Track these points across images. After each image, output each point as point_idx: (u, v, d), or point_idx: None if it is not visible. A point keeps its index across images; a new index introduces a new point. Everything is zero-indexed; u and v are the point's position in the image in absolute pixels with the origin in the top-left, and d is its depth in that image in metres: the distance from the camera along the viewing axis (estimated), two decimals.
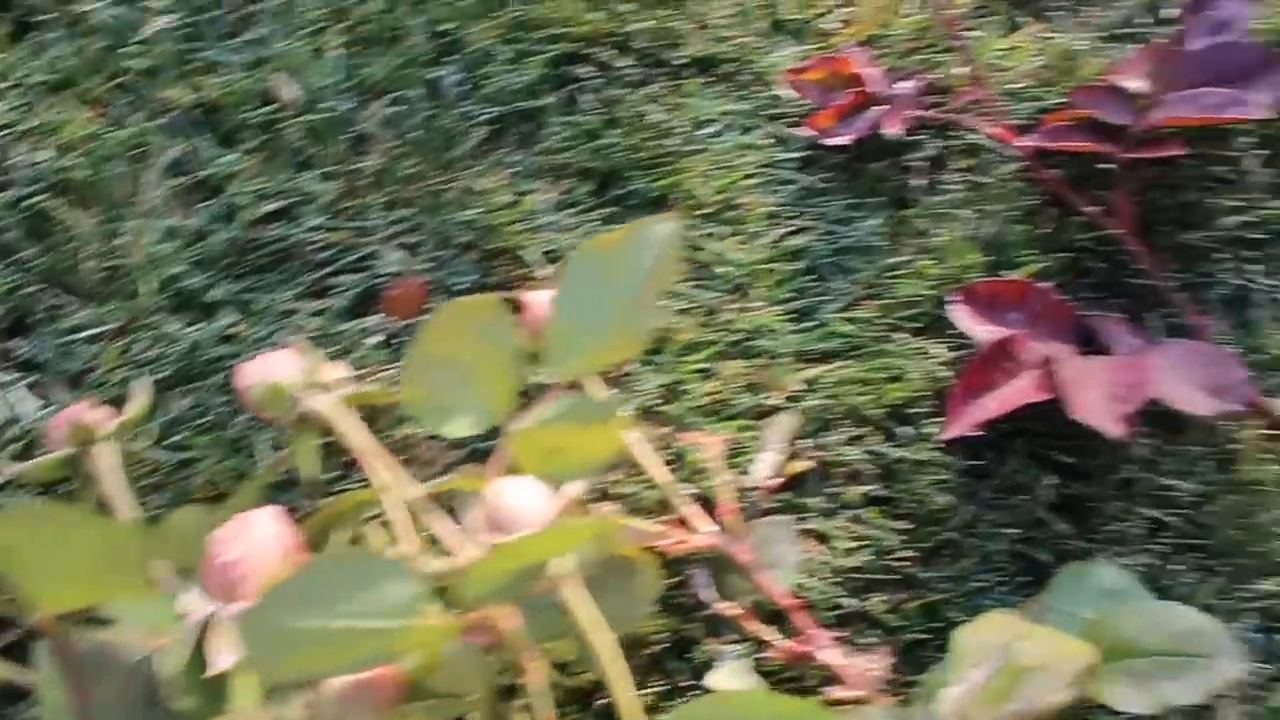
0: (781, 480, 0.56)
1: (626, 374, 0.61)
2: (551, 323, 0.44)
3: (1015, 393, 0.56)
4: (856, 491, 0.58)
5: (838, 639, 0.54)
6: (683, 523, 0.54)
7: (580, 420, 0.45)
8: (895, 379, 0.60)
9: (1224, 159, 0.66)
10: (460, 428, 0.43)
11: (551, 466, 0.46)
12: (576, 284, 0.44)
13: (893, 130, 0.63)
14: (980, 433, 0.58)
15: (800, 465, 0.56)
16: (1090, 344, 0.61)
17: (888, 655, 0.52)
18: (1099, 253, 0.65)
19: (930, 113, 0.67)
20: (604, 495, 0.58)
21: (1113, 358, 0.57)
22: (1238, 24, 0.65)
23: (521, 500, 0.43)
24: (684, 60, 0.69)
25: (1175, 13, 0.72)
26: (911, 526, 0.57)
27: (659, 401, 0.61)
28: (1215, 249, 0.65)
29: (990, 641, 0.50)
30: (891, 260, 0.64)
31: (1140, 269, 0.62)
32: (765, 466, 0.56)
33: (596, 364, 0.46)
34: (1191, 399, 0.54)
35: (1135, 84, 0.65)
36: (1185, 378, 0.55)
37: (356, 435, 0.46)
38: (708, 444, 0.57)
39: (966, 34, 0.71)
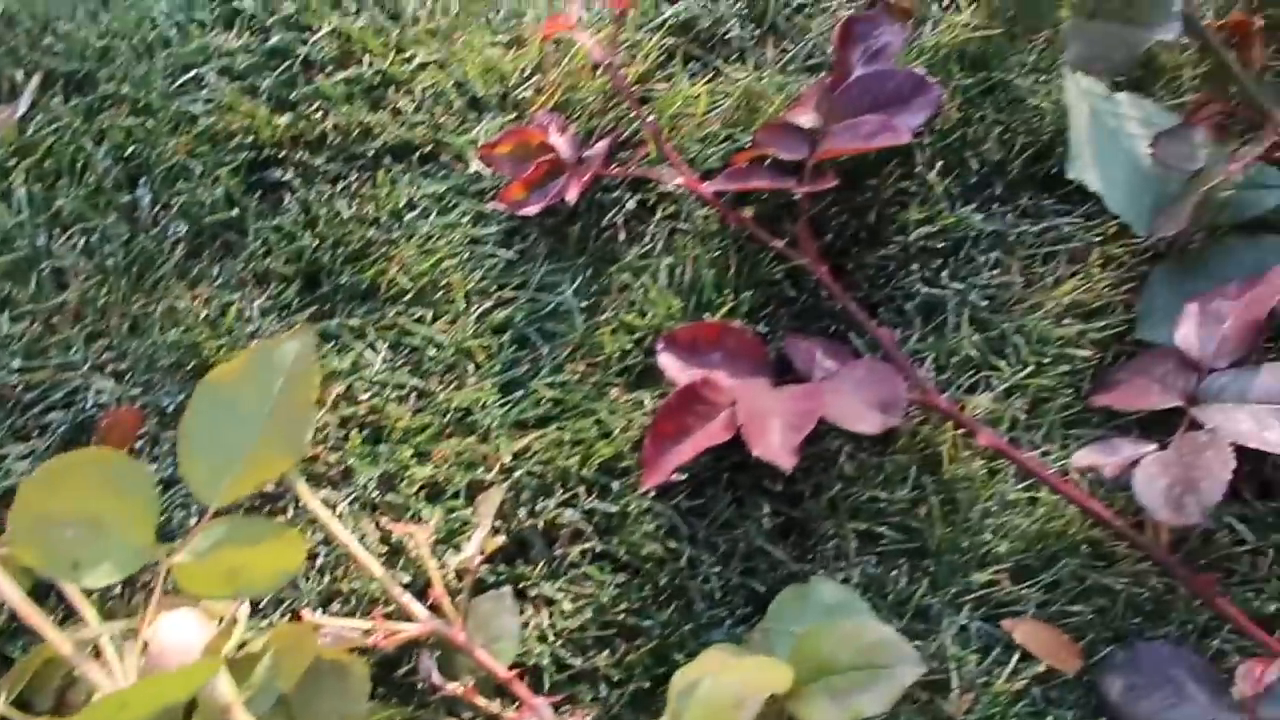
0: (486, 556, 0.58)
1: (346, 470, 0.62)
2: (184, 459, 0.45)
3: (705, 435, 0.59)
4: (576, 550, 0.60)
5: (561, 701, 0.56)
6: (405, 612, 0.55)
7: (248, 540, 0.46)
8: (605, 435, 0.62)
9: (909, 175, 0.70)
10: (101, 577, 0.44)
11: (233, 587, 0.47)
12: (202, 417, 0.45)
13: (572, 196, 0.65)
14: (681, 476, 0.61)
15: (498, 540, 0.58)
16: (791, 373, 0.64)
17: (591, 714, 0.54)
18: (797, 283, 0.68)
19: (619, 170, 0.69)
20: (326, 599, 0.59)
21: (793, 387, 0.60)
22: (891, 50, 0.69)
23: (175, 637, 0.44)
24: (377, 149, 0.71)
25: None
26: (632, 577, 0.60)
27: (379, 492, 0.62)
28: (906, 262, 0.68)
29: (700, 679, 0.53)
30: (597, 319, 0.66)
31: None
32: (475, 543, 0.58)
33: (243, 490, 0.46)
34: (859, 417, 0.58)
35: (807, 119, 0.68)
36: (856, 398, 0.59)
37: (9, 593, 0.45)
38: (418, 531, 0.58)
39: (657, 86, 0.74)
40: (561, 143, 0.69)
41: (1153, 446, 0.58)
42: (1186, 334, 0.61)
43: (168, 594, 0.48)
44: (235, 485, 0.46)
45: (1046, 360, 0.65)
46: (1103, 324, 0.66)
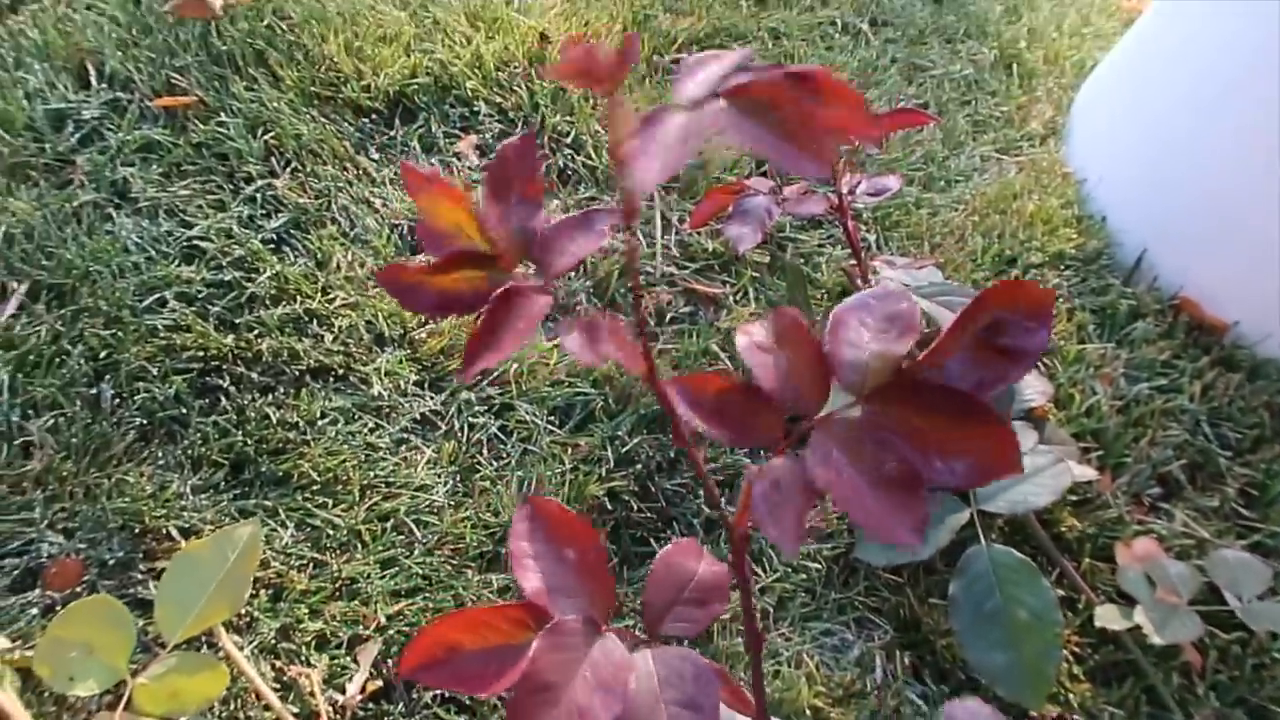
0: (364, 696, 0.75)
1: (251, 620, 0.79)
2: (159, 602, 0.63)
3: None
4: (430, 695, 0.78)
5: None
6: None
7: (189, 671, 0.64)
8: (460, 605, 0.82)
9: None
10: (88, 688, 0.60)
11: (171, 707, 0.64)
12: (177, 576, 0.63)
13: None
14: None
15: (373, 684, 0.76)
16: None
17: None
18: (614, 498, 0.91)
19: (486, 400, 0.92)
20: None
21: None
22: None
23: None
24: (303, 369, 0.91)
25: None
26: (471, 718, 0.78)
27: (278, 639, 0.78)
28: (695, 488, 0.92)
29: None
30: (461, 515, 0.87)
31: None
32: (355, 685, 0.75)
33: (196, 630, 0.64)
34: None
35: None
36: None
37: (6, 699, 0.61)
38: (310, 673, 0.75)
39: None
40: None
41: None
42: None
43: (126, 709, 0.64)
44: (190, 627, 0.63)
45: (790, 570, 0.89)
46: (831, 545, 0.91)
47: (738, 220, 0.95)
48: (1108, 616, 0.86)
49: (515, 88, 1.17)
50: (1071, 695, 0.85)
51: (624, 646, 0.43)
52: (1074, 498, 0.98)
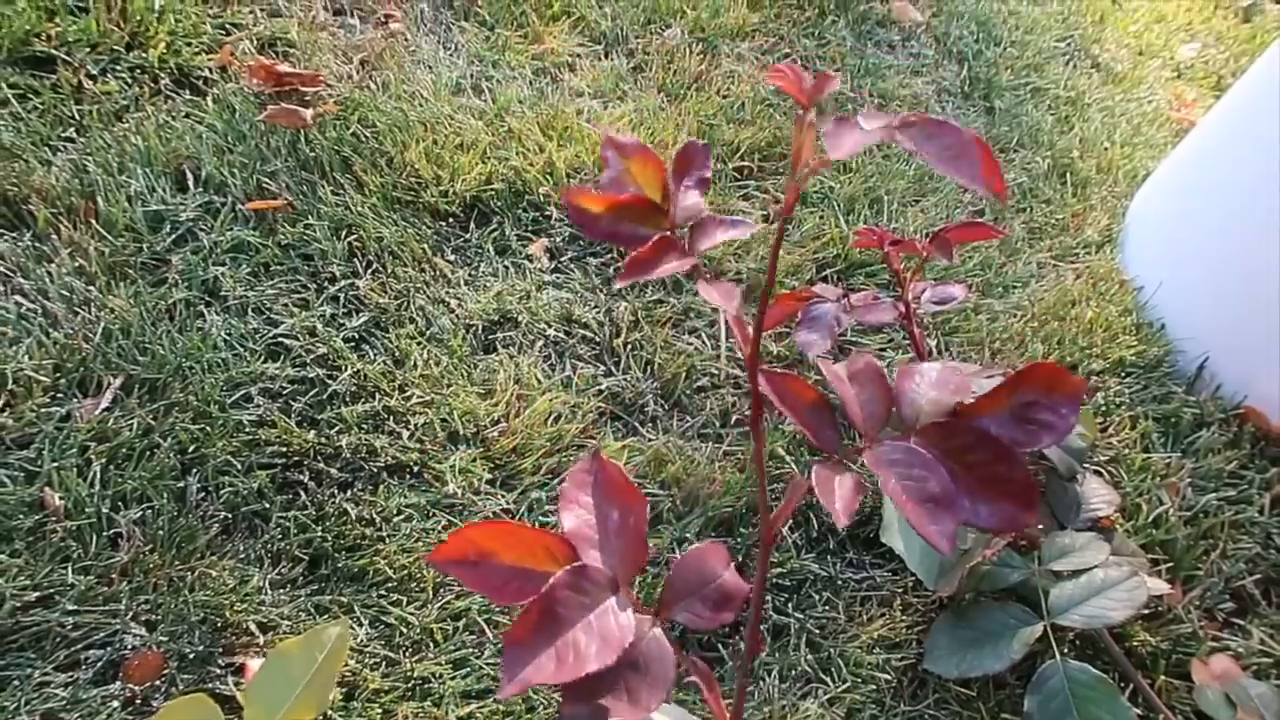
0: None
1: (325, 718, 0.80)
2: (249, 701, 0.64)
3: None
4: None
5: None
6: None
7: None
8: (531, 709, 0.82)
9: None
10: None
11: None
12: (268, 675, 0.64)
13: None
14: None
15: None
16: None
17: None
18: None
19: None
20: None
21: None
22: None
23: None
24: (380, 466, 0.94)
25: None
26: None
27: None
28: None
29: None
30: None
31: None
32: None
33: None
34: None
35: None
36: None
37: None
38: None
39: (590, 439, 1.00)
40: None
41: None
42: None
43: None
44: None
45: (860, 680, 0.88)
46: (901, 655, 0.90)
47: (806, 326, 0.97)
48: None
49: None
50: None
51: (634, 614, 0.46)
52: (1145, 611, 0.97)
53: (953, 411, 0.46)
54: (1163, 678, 0.92)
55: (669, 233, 0.47)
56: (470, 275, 1.12)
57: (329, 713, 0.80)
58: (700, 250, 0.47)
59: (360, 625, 0.84)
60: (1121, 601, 0.86)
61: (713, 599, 0.51)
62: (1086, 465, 1.05)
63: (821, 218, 1.27)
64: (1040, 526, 0.96)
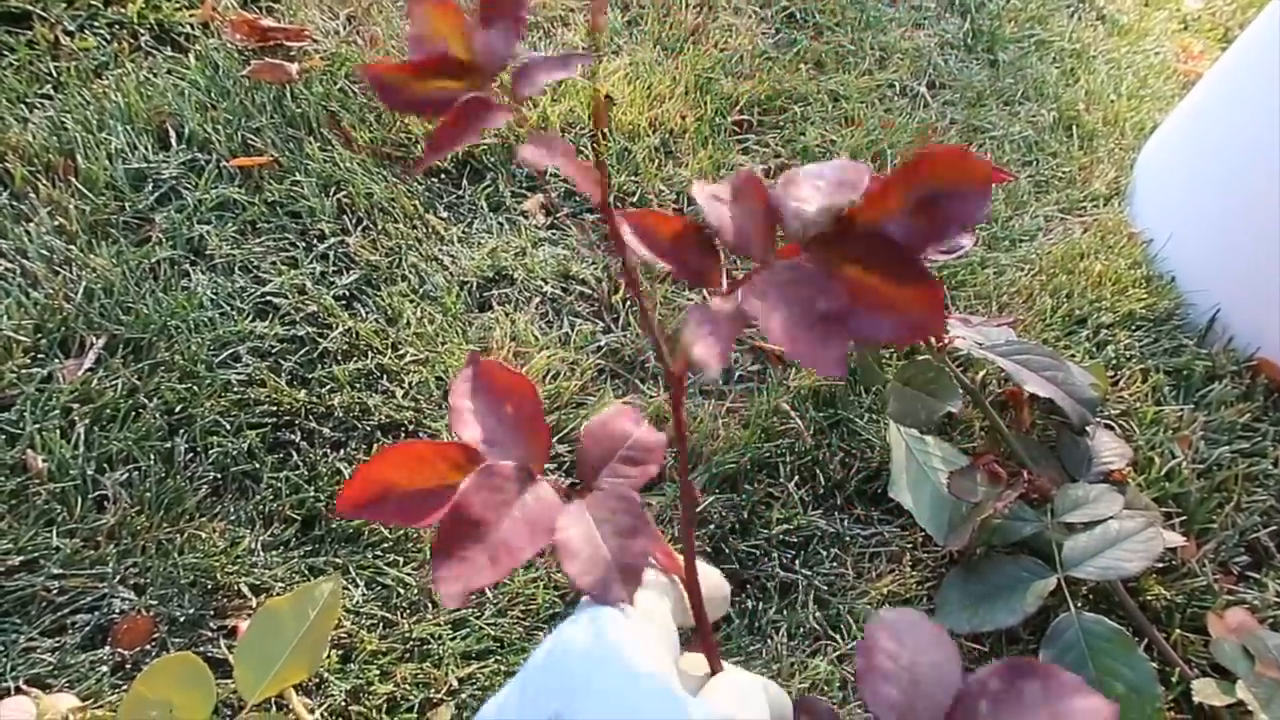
0: None
1: (321, 682, 0.77)
2: (239, 661, 0.61)
3: None
4: None
5: None
6: None
7: None
8: None
9: (776, 484, 0.93)
10: None
11: None
12: (258, 633, 0.62)
13: None
14: None
15: None
16: None
17: None
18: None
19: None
20: None
21: None
22: None
23: None
24: (373, 425, 0.91)
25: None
26: None
27: (349, 702, 0.77)
28: (769, 551, 0.90)
29: None
30: (532, 575, 0.85)
31: None
32: None
33: (274, 690, 0.62)
34: None
35: None
36: None
37: None
38: None
39: (590, 396, 0.97)
40: None
41: None
42: None
43: None
44: (269, 686, 0.62)
45: None
46: None
47: None
48: (1206, 691, 0.82)
49: (581, 148, 1.18)
50: None
51: (554, 492, 0.44)
52: (1159, 565, 0.95)
53: (843, 216, 0.38)
54: (1178, 632, 0.89)
55: (480, 89, 0.40)
56: (464, 232, 1.08)
57: (326, 675, 0.77)
58: (523, 97, 0.40)
59: (356, 586, 0.82)
60: (1137, 552, 0.84)
61: (632, 457, 0.48)
62: (1097, 419, 1.02)
63: None
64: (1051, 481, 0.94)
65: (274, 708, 0.74)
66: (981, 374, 1.05)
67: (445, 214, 1.10)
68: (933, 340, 0.96)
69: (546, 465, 0.89)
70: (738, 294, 0.36)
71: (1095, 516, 0.87)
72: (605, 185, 0.40)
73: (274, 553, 0.83)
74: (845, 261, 0.36)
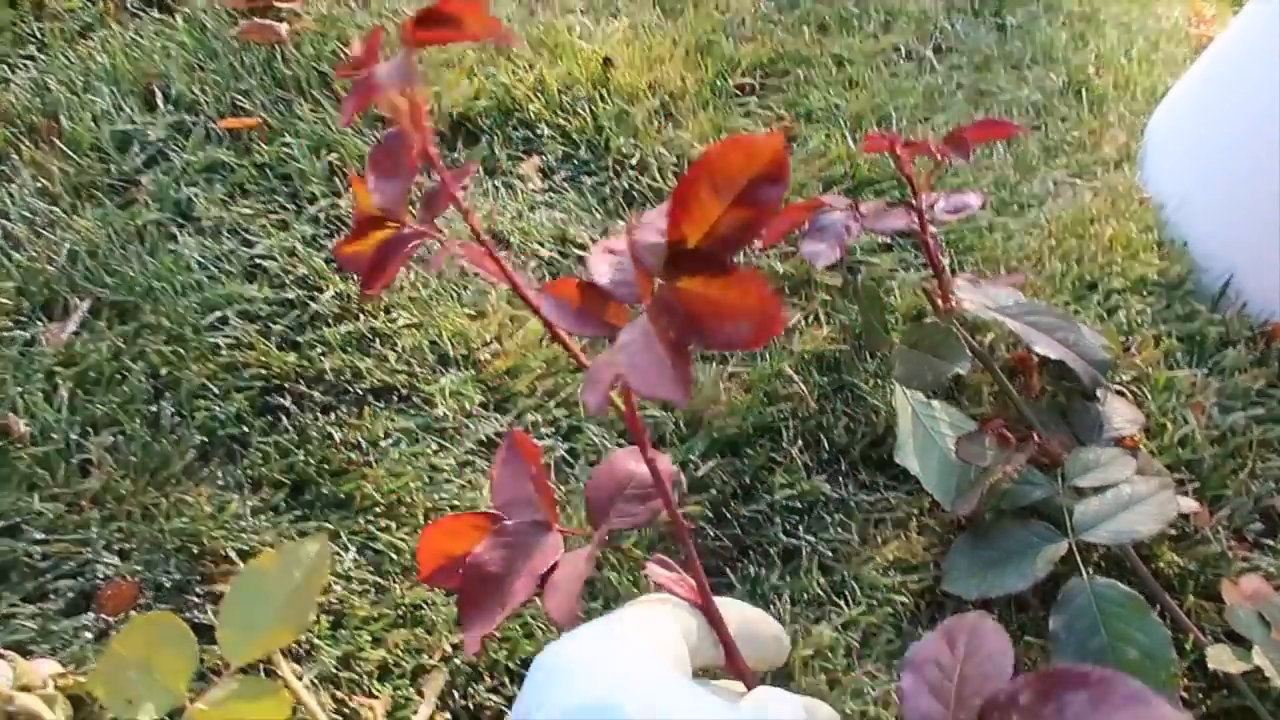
0: None
1: (311, 648, 0.75)
2: (222, 622, 0.59)
3: None
4: None
5: None
6: None
7: (251, 697, 0.60)
8: (529, 635, 0.78)
9: (778, 449, 0.91)
10: (146, 713, 0.56)
11: None
12: (242, 593, 0.60)
13: None
14: None
15: (442, 716, 0.71)
16: None
17: None
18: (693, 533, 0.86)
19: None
20: None
21: None
22: None
23: None
24: (365, 389, 0.89)
25: None
26: None
27: (339, 668, 0.75)
28: (772, 516, 0.88)
29: None
30: None
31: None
32: (421, 718, 0.71)
33: (260, 652, 0.60)
34: None
35: None
36: None
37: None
38: (372, 704, 0.71)
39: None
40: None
41: None
42: None
43: None
44: (254, 648, 0.60)
45: (875, 603, 0.84)
46: (918, 577, 0.86)
47: (814, 237, 0.91)
48: (1221, 658, 0.80)
49: (579, 110, 1.16)
50: None
51: (561, 540, 0.52)
52: (1173, 532, 0.92)
53: (674, 240, 0.38)
54: (1192, 598, 0.87)
55: (402, 227, 0.50)
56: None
57: (316, 640, 0.75)
58: (432, 219, 0.50)
59: (347, 551, 0.80)
60: (1151, 516, 0.81)
61: (638, 495, 0.54)
62: (1109, 384, 1.00)
63: (827, 135, 1.21)
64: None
65: (261, 673, 0.72)
66: (990, 338, 1.03)
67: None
68: (939, 302, 0.93)
69: (545, 430, 0.86)
70: (619, 340, 0.38)
71: (1107, 480, 0.85)
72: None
73: (262, 517, 0.80)
74: (684, 277, 0.38)
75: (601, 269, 0.43)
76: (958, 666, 0.38)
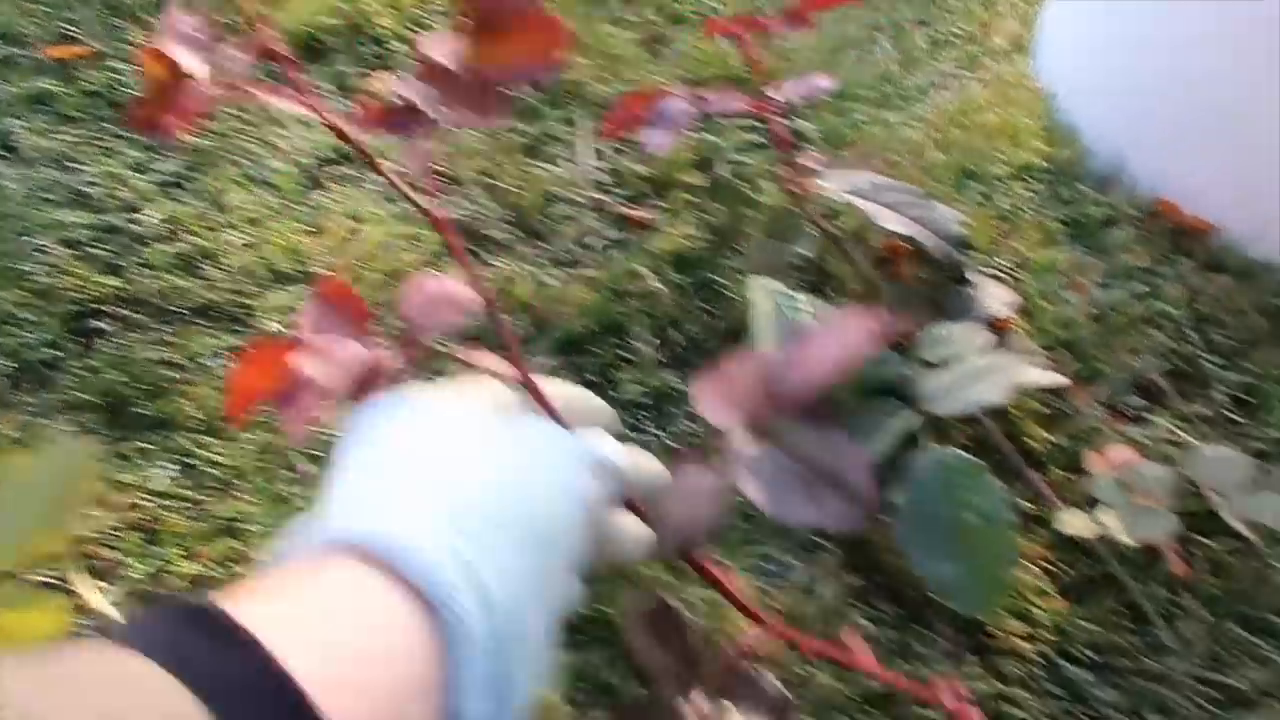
0: None
1: (118, 564, 0.72)
2: None
3: None
4: None
5: None
6: None
7: (14, 605, 0.57)
8: None
9: (626, 346, 0.88)
10: None
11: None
12: None
13: None
14: None
15: None
16: None
17: None
18: None
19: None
20: None
21: None
22: None
23: None
24: (190, 307, 0.85)
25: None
26: None
27: (150, 584, 0.72)
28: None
29: None
30: None
31: None
32: None
33: (13, 560, 0.57)
34: None
35: None
36: None
37: None
38: None
39: (435, 270, 0.91)
40: None
41: None
42: None
43: None
44: (5, 556, 0.57)
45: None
46: None
47: (654, 125, 0.88)
48: (1072, 522, 0.77)
49: (433, 24, 1.12)
50: (1043, 613, 0.76)
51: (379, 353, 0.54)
52: (1045, 411, 0.89)
53: None
54: (1059, 472, 0.84)
55: None
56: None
57: (124, 557, 0.72)
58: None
59: (164, 469, 0.77)
60: (999, 385, 0.79)
61: (452, 307, 0.56)
62: (982, 268, 0.97)
63: (698, 38, 1.17)
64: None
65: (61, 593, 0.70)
66: (856, 225, 0.99)
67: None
68: (788, 186, 0.90)
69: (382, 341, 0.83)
70: None
71: (957, 353, 0.82)
72: None
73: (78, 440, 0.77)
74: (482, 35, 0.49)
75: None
76: None
